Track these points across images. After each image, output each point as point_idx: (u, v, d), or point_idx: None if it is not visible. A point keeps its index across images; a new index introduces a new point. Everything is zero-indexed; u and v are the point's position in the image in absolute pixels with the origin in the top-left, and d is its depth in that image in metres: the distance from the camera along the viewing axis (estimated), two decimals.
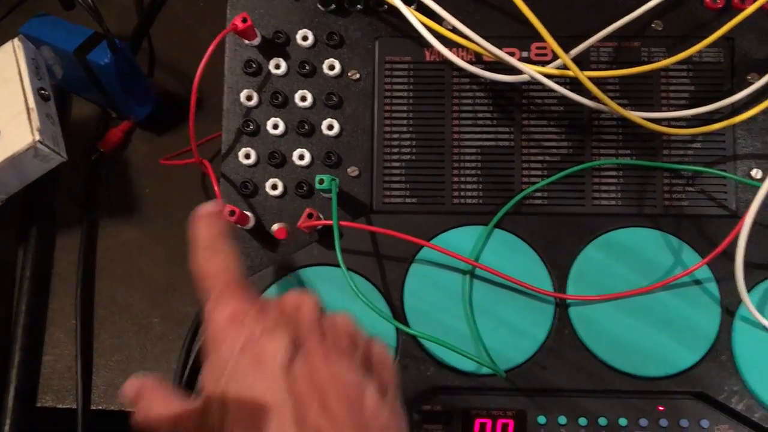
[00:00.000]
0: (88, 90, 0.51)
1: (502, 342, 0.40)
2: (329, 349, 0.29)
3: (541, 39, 0.43)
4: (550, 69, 0.40)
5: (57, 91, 0.51)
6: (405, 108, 0.44)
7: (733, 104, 0.43)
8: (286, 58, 0.44)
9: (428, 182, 0.43)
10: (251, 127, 0.44)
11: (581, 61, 0.44)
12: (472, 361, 0.39)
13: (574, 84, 0.41)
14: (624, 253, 0.41)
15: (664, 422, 0.39)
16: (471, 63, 0.42)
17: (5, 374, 0.47)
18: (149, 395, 0.30)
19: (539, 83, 0.41)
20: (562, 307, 0.41)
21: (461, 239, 0.42)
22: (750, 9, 0.42)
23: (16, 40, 0.47)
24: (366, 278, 0.41)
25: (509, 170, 0.43)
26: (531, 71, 0.39)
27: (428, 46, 0.42)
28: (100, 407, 0.47)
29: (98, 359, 0.48)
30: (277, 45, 0.44)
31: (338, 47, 0.44)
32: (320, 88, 0.44)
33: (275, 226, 0.43)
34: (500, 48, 0.44)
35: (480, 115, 0.44)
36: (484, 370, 0.40)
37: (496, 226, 0.42)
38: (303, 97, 0.44)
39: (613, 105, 0.40)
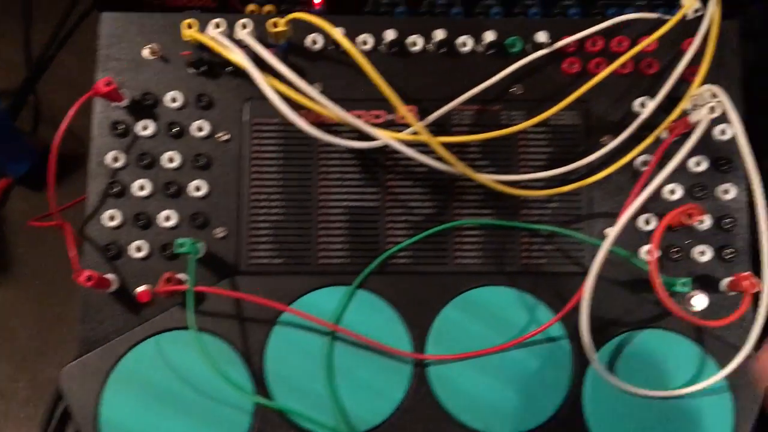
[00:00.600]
0: None
1: (361, 404, 0.40)
2: None
3: (410, 102, 0.45)
4: (404, 135, 0.41)
5: None
6: (273, 169, 0.45)
7: (589, 165, 0.45)
8: (155, 120, 0.45)
9: (295, 242, 0.44)
10: (117, 188, 0.44)
11: (444, 125, 0.45)
12: (323, 426, 0.39)
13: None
14: (481, 312, 0.42)
15: None
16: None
17: None
18: None
19: (415, 145, 0.42)
20: (420, 367, 0.41)
21: (325, 300, 0.42)
22: (601, 75, 0.44)
23: None
24: (228, 342, 0.41)
25: (374, 230, 0.44)
26: (384, 137, 0.40)
27: (301, 107, 0.43)
28: None
29: None
30: (145, 106, 0.45)
31: (207, 109, 0.45)
32: (188, 150, 0.44)
33: (139, 290, 0.43)
34: (368, 110, 0.45)
35: (347, 175, 0.45)
36: None
37: (361, 286, 0.43)
38: (171, 159, 0.44)
39: (463, 168, 0.41)
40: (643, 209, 0.45)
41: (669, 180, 0.45)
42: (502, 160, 0.45)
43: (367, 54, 0.46)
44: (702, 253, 0.44)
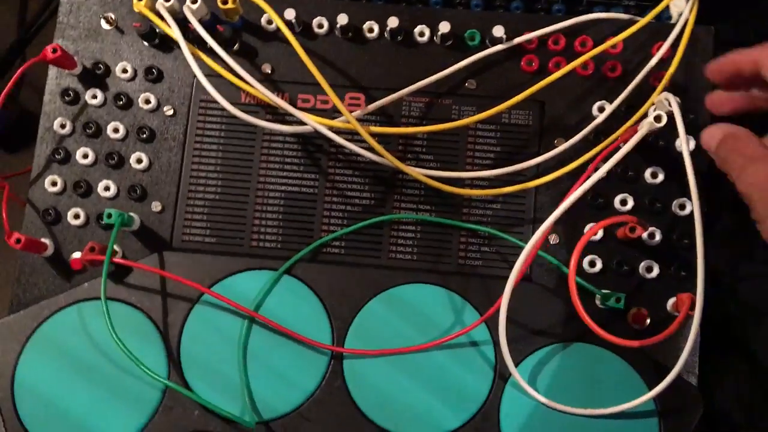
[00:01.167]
0: None
1: (271, 391, 0.40)
2: None
3: (356, 89, 0.44)
4: (334, 122, 0.40)
5: None
6: (215, 147, 0.44)
7: (538, 168, 0.43)
8: (104, 89, 0.45)
9: (229, 223, 0.44)
10: (61, 155, 0.44)
11: (393, 115, 0.44)
12: (232, 410, 0.39)
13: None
14: (407, 310, 0.41)
15: None
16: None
17: None
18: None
19: (349, 132, 0.41)
20: (337, 360, 0.40)
21: (251, 283, 0.42)
22: (556, 74, 0.42)
23: None
24: (148, 317, 0.41)
25: (310, 217, 0.43)
26: (312, 122, 0.39)
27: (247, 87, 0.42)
28: None
29: None
30: (96, 75, 0.45)
31: (157, 82, 0.45)
32: (134, 121, 0.44)
33: (73, 256, 0.43)
34: (317, 95, 0.44)
35: (288, 159, 0.44)
36: (251, 419, 0.39)
37: (291, 272, 0.42)
38: (116, 129, 0.44)
39: (393, 160, 0.40)
40: (590, 219, 0.43)
41: (621, 190, 0.43)
42: (449, 156, 0.44)
43: (323, 38, 0.45)
44: (649, 269, 0.42)
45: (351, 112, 0.42)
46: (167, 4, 0.42)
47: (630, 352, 0.40)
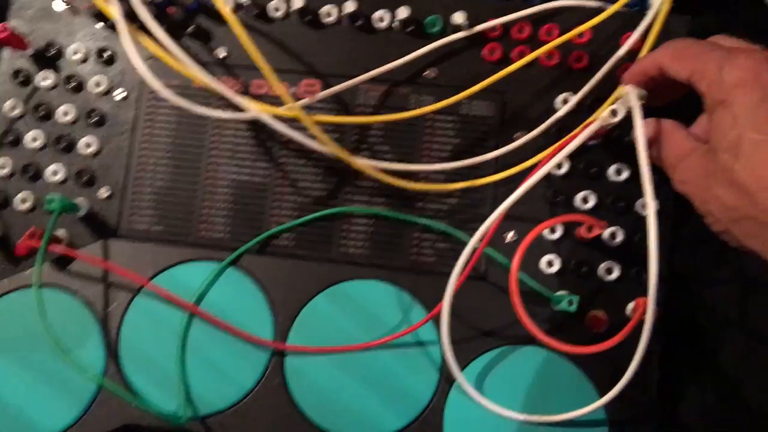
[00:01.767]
0: None
1: (210, 386, 0.39)
2: None
3: (313, 75, 0.43)
4: (277, 109, 0.39)
5: None
6: (165, 133, 0.43)
7: (496, 161, 0.41)
8: (56, 71, 0.44)
9: (176, 211, 0.42)
10: (10, 137, 0.43)
11: (348, 103, 0.42)
12: (169, 404, 0.38)
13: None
14: (353, 306, 0.39)
15: None
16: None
17: None
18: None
19: (296, 121, 0.39)
20: (278, 356, 0.39)
21: (194, 274, 0.40)
22: (517, 63, 0.40)
23: None
24: (89, 306, 0.40)
25: (260, 208, 0.42)
26: (254, 109, 0.38)
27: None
28: None
29: None
30: (48, 57, 0.44)
31: (109, 64, 0.44)
32: (84, 105, 0.43)
33: (19, 242, 0.42)
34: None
35: (239, 148, 0.43)
36: (183, 414, 0.38)
37: (237, 264, 0.41)
38: (66, 112, 0.43)
39: (337, 150, 0.38)
40: (550, 216, 0.41)
41: (583, 187, 0.41)
42: (405, 147, 0.42)
43: (279, 22, 0.43)
44: (608, 270, 0.40)
45: (305, 99, 0.40)
46: None
47: (583, 358, 0.38)
